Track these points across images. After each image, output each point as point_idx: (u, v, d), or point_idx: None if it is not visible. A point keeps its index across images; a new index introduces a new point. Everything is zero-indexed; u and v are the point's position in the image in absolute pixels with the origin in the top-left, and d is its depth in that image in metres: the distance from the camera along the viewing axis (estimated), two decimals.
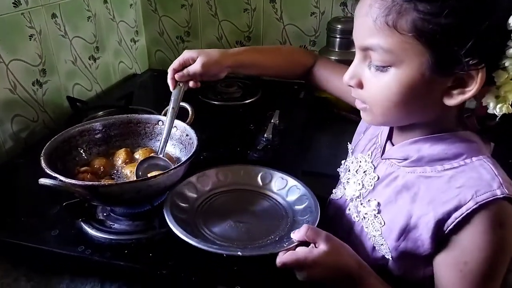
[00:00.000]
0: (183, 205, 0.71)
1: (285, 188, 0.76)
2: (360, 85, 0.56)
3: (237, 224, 0.68)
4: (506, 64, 0.48)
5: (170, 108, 0.79)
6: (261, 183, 0.79)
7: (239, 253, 0.58)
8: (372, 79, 0.54)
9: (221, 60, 0.79)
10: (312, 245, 0.57)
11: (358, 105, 0.60)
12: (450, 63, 0.48)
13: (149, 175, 0.69)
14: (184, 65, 0.78)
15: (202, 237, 0.64)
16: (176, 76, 0.78)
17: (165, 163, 0.76)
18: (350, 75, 0.57)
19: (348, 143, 0.80)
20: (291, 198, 0.75)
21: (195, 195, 0.74)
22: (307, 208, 0.70)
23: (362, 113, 0.61)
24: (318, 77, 0.86)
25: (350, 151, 0.77)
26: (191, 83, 0.80)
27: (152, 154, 0.80)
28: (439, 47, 0.47)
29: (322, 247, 0.55)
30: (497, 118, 0.51)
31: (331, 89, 0.84)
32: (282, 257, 0.56)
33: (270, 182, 0.78)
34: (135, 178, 0.72)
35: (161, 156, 0.77)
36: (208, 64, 0.77)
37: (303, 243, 0.58)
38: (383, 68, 0.52)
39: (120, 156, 0.81)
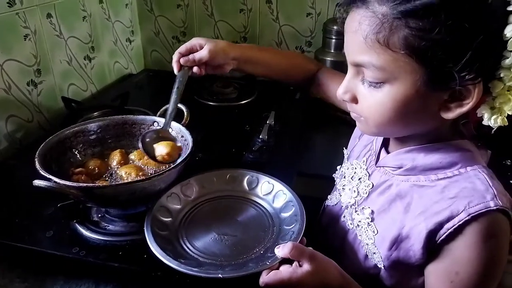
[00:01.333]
0: (166, 219, 0.69)
1: (272, 193, 0.74)
2: (355, 100, 0.56)
3: (221, 237, 0.66)
4: (502, 75, 0.47)
5: (175, 88, 0.79)
6: (247, 188, 0.77)
7: (219, 275, 0.56)
8: (366, 94, 0.53)
9: (228, 50, 0.79)
10: (295, 263, 0.55)
11: (353, 115, 0.60)
12: (444, 79, 0.47)
13: (155, 146, 0.74)
14: (191, 51, 0.78)
15: (183, 255, 0.62)
16: (182, 60, 0.78)
17: (170, 136, 0.79)
18: (344, 90, 0.56)
19: (344, 148, 0.79)
20: (278, 204, 0.73)
21: (178, 206, 0.72)
22: (293, 216, 0.68)
23: (357, 123, 0.60)
24: (319, 84, 0.86)
25: (345, 156, 0.77)
26: (195, 69, 0.79)
27: (157, 128, 0.81)
28: (433, 63, 0.46)
29: (306, 267, 0.54)
30: (493, 131, 0.51)
31: (331, 98, 0.84)
32: (265, 278, 0.55)
33: (257, 186, 0.76)
34: (130, 179, 0.72)
35: (167, 129, 0.79)
36: (215, 52, 0.77)
37: (287, 259, 0.56)
38: (376, 84, 0.51)
39: (115, 158, 0.80)
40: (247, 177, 0.77)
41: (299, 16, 1.40)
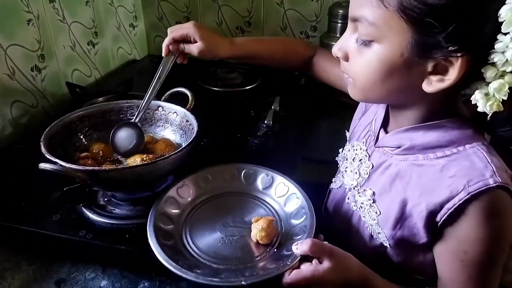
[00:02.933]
0: (168, 227, 0.65)
1: (272, 186, 0.72)
2: (346, 58, 0.57)
3: (229, 239, 0.64)
4: (495, 60, 0.46)
5: (156, 76, 0.78)
6: (245, 183, 0.74)
7: (242, 283, 0.54)
8: (356, 53, 0.54)
9: (219, 52, 0.79)
10: (315, 260, 0.55)
11: (345, 77, 0.60)
12: (430, 45, 0.47)
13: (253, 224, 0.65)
14: (185, 39, 0.77)
15: (197, 265, 0.59)
16: (172, 46, 0.77)
17: (138, 130, 0.79)
18: (339, 46, 0.57)
19: (346, 130, 0.79)
20: (280, 197, 0.70)
21: (178, 211, 0.68)
22: (300, 209, 0.66)
23: (348, 86, 0.61)
24: (317, 67, 0.85)
25: (348, 138, 0.76)
26: (179, 59, 0.80)
27: (130, 121, 0.81)
28: (421, 26, 0.46)
29: (326, 263, 0.54)
30: (488, 117, 0.50)
31: (330, 79, 0.84)
32: (288, 278, 0.55)
33: (255, 180, 0.74)
34: (136, 163, 0.72)
35: (137, 122, 0.79)
36: (204, 53, 0.77)
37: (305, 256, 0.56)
38: (367, 42, 0.52)
39: None
40: (243, 172, 0.75)
41: (304, 0, 1.38)
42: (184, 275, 0.55)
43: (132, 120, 0.80)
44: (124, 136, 0.78)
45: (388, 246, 0.59)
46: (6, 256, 0.69)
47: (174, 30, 0.77)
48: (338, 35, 1.23)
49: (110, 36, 1.37)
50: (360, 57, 0.54)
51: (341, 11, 1.20)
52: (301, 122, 1.10)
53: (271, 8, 1.42)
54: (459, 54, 0.46)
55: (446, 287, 0.56)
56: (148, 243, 0.59)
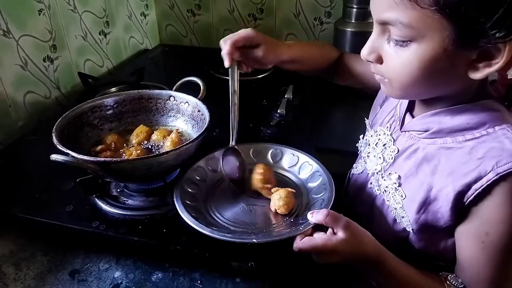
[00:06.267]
0: (194, 191, 0.69)
1: (297, 165, 0.75)
2: (379, 60, 0.54)
3: (250, 207, 0.67)
4: None
5: (231, 91, 0.70)
6: (271, 161, 0.77)
7: (254, 240, 0.56)
8: (392, 54, 0.52)
9: (282, 54, 0.73)
10: (330, 230, 0.55)
11: (377, 77, 0.58)
12: (474, 36, 0.45)
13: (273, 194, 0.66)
14: (246, 44, 0.70)
15: (215, 224, 0.63)
16: (235, 54, 0.68)
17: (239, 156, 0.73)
18: (369, 50, 0.54)
19: (366, 118, 0.78)
20: (304, 175, 0.73)
21: (205, 179, 0.73)
22: (321, 185, 0.68)
23: (381, 85, 0.59)
24: (342, 68, 0.82)
25: (368, 125, 0.75)
26: (244, 67, 0.73)
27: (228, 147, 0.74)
28: (464, 20, 0.44)
29: (340, 234, 0.54)
30: None
31: (363, 80, 0.81)
32: (299, 243, 0.55)
33: (281, 159, 0.77)
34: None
35: (234, 145, 0.73)
36: (269, 55, 0.71)
37: (319, 225, 0.56)
38: (403, 43, 0.49)
39: (138, 135, 0.79)
40: (271, 151, 0.78)
41: None
42: (200, 229, 0.58)
43: (230, 145, 0.73)
44: (232, 164, 0.73)
45: (411, 231, 0.58)
46: (21, 246, 0.70)
47: (232, 36, 0.68)
48: (353, 21, 1.19)
49: (121, 26, 1.36)
50: (397, 57, 0.51)
51: None
52: (315, 111, 1.08)
53: None
54: (507, 39, 0.44)
55: (465, 270, 0.55)
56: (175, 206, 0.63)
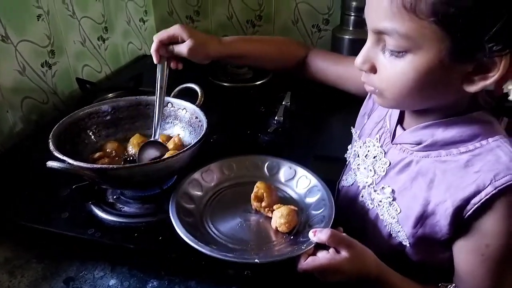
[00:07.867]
0: (189, 206, 0.68)
1: (294, 178, 0.73)
2: (373, 70, 0.54)
3: (247, 224, 0.66)
4: None
5: (157, 87, 0.76)
6: (268, 174, 0.75)
7: (256, 260, 0.55)
8: (387, 64, 0.51)
9: (209, 50, 0.77)
10: (332, 249, 0.55)
11: (368, 88, 0.57)
12: (471, 49, 0.45)
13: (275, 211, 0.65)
14: (172, 41, 0.75)
15: (213, 241, 0.61)
16: (161, 50, 0.75)
17: (162, 147, 0.75)
18: (363, 59, 0.54)
19: (352, 127, 0.77)
20: (301, 190, 0.72)
21: (200, 193, 0.71)
22: (320, 201, 0.67)
23: (373, 96, 0.59)
24: (313, 68, 0.83)
25: (355, 135, 0.74)
26: (172, 64, 0.77)
27: (150, 140, 0.77)
28: (461, 32, 0.44)
29: (344, 254, 0.54)
30: None
31: (329, 79, 0.81)
32: (303, 264, 0.55)
33: (278, 172, 0.75)
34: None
35: (157, 139, 0.76)
36: (195, 51, 0.75)
37: (321, 244, 0.56)
38: (398, 53, 0.49)
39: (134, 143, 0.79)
40: (267, 163, 0.76)
41: None
42: (200, 248, 0.56)
43: (152, 139, 0.77)
44: (151, 155, 0.75)
45: (408, 245, 0.58)
46: (16, 253, 0.69)
47: (160, 33, 0.75)
48: (350, 28, 1.20)
49: (120, 31, 1.36)
50: (391, 68, 0.51)
51: (354, 3, 1.17)
52: (313, 118, 1.08)
53: (282, 1, 1.39)
54: (503, 53, 0.44)
55: (464, 282, 0.55)
56: (170, 219, 0.62)
